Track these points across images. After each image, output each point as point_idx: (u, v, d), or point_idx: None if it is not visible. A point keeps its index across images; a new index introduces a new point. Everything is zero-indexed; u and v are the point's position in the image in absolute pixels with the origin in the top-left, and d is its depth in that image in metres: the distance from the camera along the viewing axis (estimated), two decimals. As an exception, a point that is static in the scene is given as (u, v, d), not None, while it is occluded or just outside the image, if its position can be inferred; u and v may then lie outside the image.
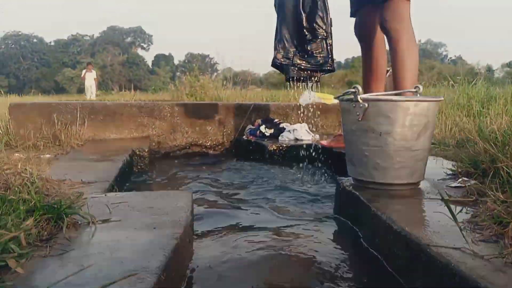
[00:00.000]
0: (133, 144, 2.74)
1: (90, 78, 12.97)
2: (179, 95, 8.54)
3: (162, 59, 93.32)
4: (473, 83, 6.12)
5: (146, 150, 2.57)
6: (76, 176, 1.69)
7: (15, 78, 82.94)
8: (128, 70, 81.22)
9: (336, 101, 3.61)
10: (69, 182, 1.60)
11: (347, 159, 1.52)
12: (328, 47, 2.20)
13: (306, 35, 2.19)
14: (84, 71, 13.63)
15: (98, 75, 64.02)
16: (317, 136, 3.07)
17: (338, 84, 45.99)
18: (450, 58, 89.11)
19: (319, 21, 2.13)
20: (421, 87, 1.55)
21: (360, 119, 1.35)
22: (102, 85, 78.06)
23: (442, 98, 1.41)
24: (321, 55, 2.23)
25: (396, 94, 1.62)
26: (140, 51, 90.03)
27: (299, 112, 3.34)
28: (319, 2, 2.13)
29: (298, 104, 3.39)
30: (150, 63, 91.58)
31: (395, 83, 1.93)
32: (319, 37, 2.17)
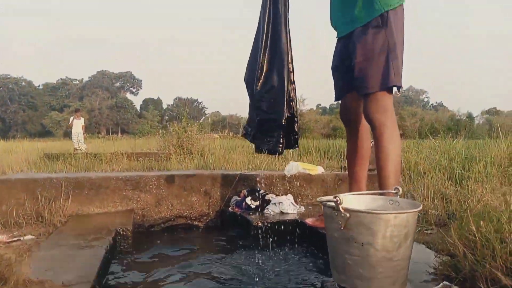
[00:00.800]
0: (117, 219, 2.71)
1: (77, 125, 12.62)
2: (166, 145, 8.56)
3: (151, 103, 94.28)
4: (454, 142, 6.28)
5: (130, 229, 2.54)
6: (58, 273, 1.66)
7: (1, 121, 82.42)
8: (116, 113, 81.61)
9: (320, 171, 3.67)
10: (50, 283, 1.57)
11: (331, 264, 1.52)
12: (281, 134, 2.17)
13: (258, 114, 2.22)
14: (71, 118, 13.04)
15: (86, 119, 63.78)
16: (302, 208, 3.09)
17: (324, 130, 46.76)
18: (432, 104, 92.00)
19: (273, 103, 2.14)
20: (400, 188, 1.59)
21: (342, 228, 1.38)
22: (89, 129, 78.00)
23: (421, 207, 1.45)
24: (270, 138, 2.22)
25: (379, 194, 1.66)
26: (129, 95, 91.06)
27: (284, 182, 3.38)
28: (279, 79, 2.13)
29: (283, 173, 3.42)
30: (138, 107, 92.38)
31: (379, 178, 1.96)
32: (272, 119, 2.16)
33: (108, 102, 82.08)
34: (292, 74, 2.12)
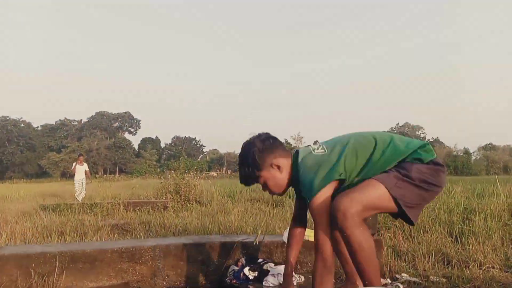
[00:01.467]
0: (112, 296, 2.65)
1: (80, 171, 12.07)
2: (163, 192, 8.48)
3: (149, 143, 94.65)
4: (452, 193, 6.27)
5: (125, 309, 2.47)
6: None
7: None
8: (114, 153, 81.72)
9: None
10: None
11: None
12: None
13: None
14: (74, 163, 12.45)
15: (84, 159, 63.86)
16: (302, 278, 3.02)
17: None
18: (428, 140, 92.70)
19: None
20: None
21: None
22: (86, 169, 77.57)
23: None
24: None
25: None
26: (127, 135, 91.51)
27: (283, 249, 3.33)
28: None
29: (282, 240, 3.37)
30: (136, 147, 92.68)
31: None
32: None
33: (106, 142, 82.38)
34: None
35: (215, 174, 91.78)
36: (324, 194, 1.75)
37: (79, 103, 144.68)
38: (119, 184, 35.51)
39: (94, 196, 12.84)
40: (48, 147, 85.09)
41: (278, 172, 1.94)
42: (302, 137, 51.37)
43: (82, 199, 11.09)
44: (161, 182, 8.81)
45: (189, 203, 7.68)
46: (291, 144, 48.25)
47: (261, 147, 1.93)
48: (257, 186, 2.21)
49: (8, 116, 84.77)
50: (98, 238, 3.95)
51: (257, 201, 7.34)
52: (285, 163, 1.96)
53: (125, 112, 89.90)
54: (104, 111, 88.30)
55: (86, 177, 12.27)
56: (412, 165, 1.72)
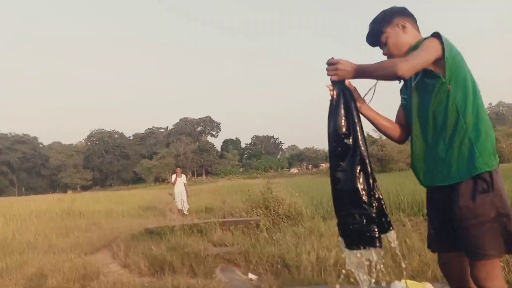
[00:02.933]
0: None
1: (180, 184, 12.06)
2: (253, 207, 8.63)
3: (230, 144, 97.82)
4: None
5: None
6: None
7: (98, 172, 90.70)
8: (200, 156, 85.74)
9: None
10: None
11: None
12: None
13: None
14: (173, 176, 12.42)
15: (172, 164, 67.71)
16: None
17: (409, 159, 44.14)
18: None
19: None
20: None
21: None
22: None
23: None
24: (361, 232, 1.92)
25: None
26: (210, 138, 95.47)
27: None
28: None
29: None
30: (219, 148, 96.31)
31: None
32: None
33: (191, 146, 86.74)
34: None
35: (296, 170, 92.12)
36: None
37: (164, 112, 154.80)
38: (207, 186, 37.29)
39: (191, 207, 13.71)
40: (140, 154, 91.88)
41: (402, 32, 1.99)
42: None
43: (187, 210, 11.73)
44: (249, 196, 9.07)
45: (279, 218, 7.82)
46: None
47: (394, 9, 2.04)
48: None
49: (103, 129, 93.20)
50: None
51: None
52: (412, 30, 2.01)
53: (206, 117, 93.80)
54: (187, 117, 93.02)
55: (185, 189, 12.21)
56: None
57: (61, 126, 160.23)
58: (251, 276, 4.05)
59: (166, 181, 78.73)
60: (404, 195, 9.02)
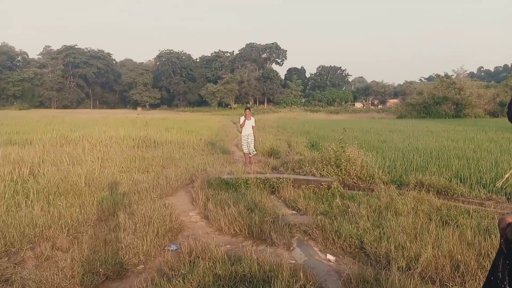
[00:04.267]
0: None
1: (248, 126, 11.18)
2: (324, 164, 8.47)
3: (295, 73, 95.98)
4: None
5: None
6: None
7: (166, 91, 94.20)
8: (263, 84, 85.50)
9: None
10: None
11: None
12: None
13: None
14: (242, 118, 11.34)
15: (236, 90, 68.35)
16: None
17: (488, 106, 40.79)
18: None
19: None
20: None
21: None
22: (239, 99, 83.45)
23: None
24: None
25: None
26: (274, 66, 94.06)
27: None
28: None
29: None
30: (283, 77, 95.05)
31: None
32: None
33: (256, 73, 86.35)
34: None
35: (360, 105, 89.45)
36: None
37: (231, 36, 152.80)
38: (270, 119, 37.58)
39: (259, 148, 13.90)
40: (206, 77, 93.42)
41: None
42: (465, 71, 44.95)
43: (254, 154, 11.22)
44: (322, 153, 9.02)
45: (350, 178, 7.79)
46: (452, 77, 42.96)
47: None
48: None
49: (172, 49, 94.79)
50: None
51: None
52: None
53: (272, 43, 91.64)
54: (253, 43, 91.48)
55: (253, 132, 11.33)
56: None
57: (133, 44, 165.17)
58: (329, 256, 4.18)
59: (229, 106, 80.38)
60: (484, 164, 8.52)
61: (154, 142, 14.86)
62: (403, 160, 9.52)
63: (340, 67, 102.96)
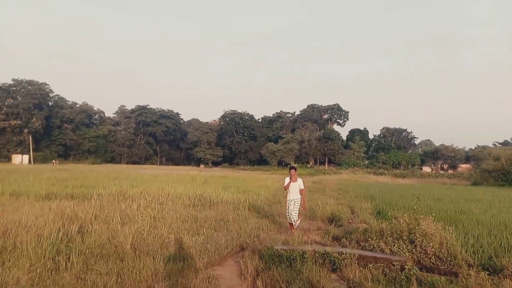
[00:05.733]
0: None
1: (294, 189, 9.46)
2: (394, 238, 7.32)
3: (357, 134, 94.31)
4: None
5: None
6: None
7: (228, 150, 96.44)
8: (324, 144, 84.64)
9: None
10: None
11: None
12: None
13: None
14: (286, 179, 9.64)
15: (296, 149, 68.08)
16: None
17: None
18: None
19: None
20: None
21: None
22: (299, 159, 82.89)
23: None
24: None
25: None
26: (336, 127, 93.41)
27: None
28: None
29: None
30: (345, 138, 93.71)
31: None
32: None
33: (316, 133, 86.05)
34: None
35: (428, 169, 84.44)
36: None
37: (293, 97, 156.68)
38: (331, 180, 36.23)
39: (314, 211, 12.90)
40: (267, 137, 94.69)
41: None
42: None
43: (296, 225, 9.50)
44: (392, 224, 7.89)
45: (427, 258, 6.57)
46: None
47: None
48: None
49: (235, 110, 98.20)
50: None
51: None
52: None
53: (334, 104, 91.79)
54: (315, 104, 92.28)
55: (301, 198, 9.49)
56: None
57: (199, 105, 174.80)
58: None
59: (288, 165, 79.89)
60: None
61: (210, 201, 14.42)
62: (490, 237, 8.05)
63: (406, 129, 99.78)
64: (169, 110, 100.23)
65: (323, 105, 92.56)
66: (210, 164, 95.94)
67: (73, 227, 8.07)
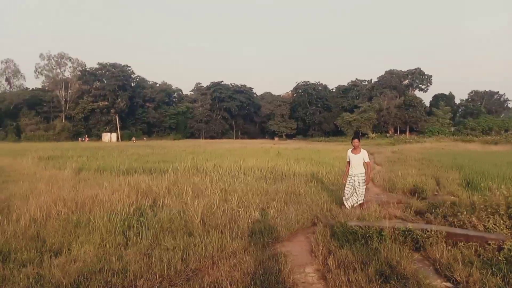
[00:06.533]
0: None
1: (357, 163, 8.15)
2: (489, 212, 6.38)
3: (441, 99, 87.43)
4: None
5: None
6: None
7: (302, 122, 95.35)
8: (404, 112, 79.82)
9: None
10: None
11: None
12: None
13: None
14: (348, 151, 8.47)
15: (374, 118, 65.04)
16: None
17: None
18: None
19: None
20: None
21: None
22: (377, 128, 79.38)
23: None
24: None
25: None
26: (417, 93, 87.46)
27: None
28: None
29: None
30: (427, 104, 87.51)
31: None
32: None
33: (396, 101, 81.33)
34: None
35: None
36: None
37: (368, 64, 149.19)
38: (413, 150, 33.90)
39: (393, 183, 11.96)
40: (342, 107, 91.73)
41: None
42: None
43: (352, 205, 8.12)
44: (485, 196, 6.88)
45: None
46: None
47: None
48: None
49: (308, 81, 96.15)
50: None
51: None
52: None
53: (415, 69, 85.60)
54: (393, 69, 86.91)
55: (366, 171, 8.23)
56: None
57: (272, 77, 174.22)
58: None
59: (366, 135, 76.74)
60: None
61: (282, 174, 14.11)
62: None
63: (497, 92, 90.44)
64: (242, 85, 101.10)
65: (402, 70, 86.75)
66: (284, 136, 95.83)
67: (146, 202, 8.22)
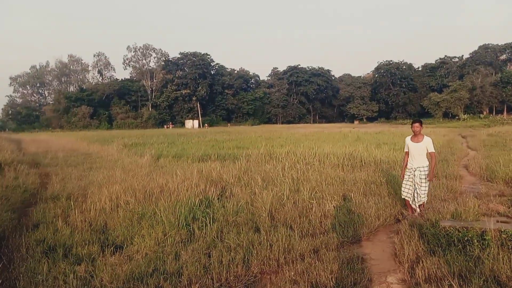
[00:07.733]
0: None
1: (419, 153, 6.59)
2: None
3: (548, 74, 76.99)
4: None
5: None
6: None
7: (384, 104, 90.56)
8: (501, 90, 71.92)
9: None
10: None
11: None
12: None
13: None
14: (407, 139, 6.90)
15: (465, 98, 59.36)
16: None
17: None
18: None
19: None
20: None
21: None
22: (470, 108, 72.63)
23: None
24: None
25: None
26: (517, 68, 78.10)
27: None
28: None
29: None
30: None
31: None
32: None
33: (491, 78, 73.40)
34: None
35: None
36: None
37: (459, 39, 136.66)
38: (507, 128, 30.12)
39: (493, 171, 10.36)
40: (429, 87, 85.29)
41: None
42: None
43: (418, 205, 6.62)
44: None
45: None
46: None
47: None
48: None
49: (391, 60, 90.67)
50: None
51: None
52: None
53: (515, 41, 76.38)
54: (488, 44, 78.40)
55: (430, 164, 6.61)
56: None
57: (352, 58, 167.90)
58: None
59: (457, 117, 70.53)
60: None
61: (361, 161, 13.04)
62: None
63: None
64: (319, 68, 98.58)
65: (499, 44, 77.87)
66: (364, 120, 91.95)
67: (214, 191, 7.88)
